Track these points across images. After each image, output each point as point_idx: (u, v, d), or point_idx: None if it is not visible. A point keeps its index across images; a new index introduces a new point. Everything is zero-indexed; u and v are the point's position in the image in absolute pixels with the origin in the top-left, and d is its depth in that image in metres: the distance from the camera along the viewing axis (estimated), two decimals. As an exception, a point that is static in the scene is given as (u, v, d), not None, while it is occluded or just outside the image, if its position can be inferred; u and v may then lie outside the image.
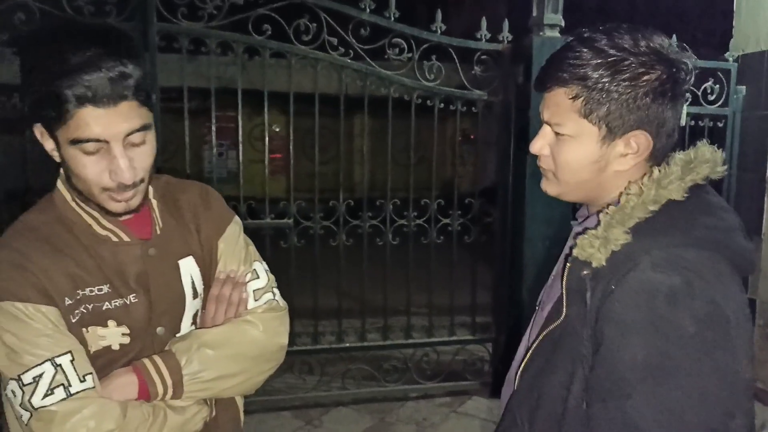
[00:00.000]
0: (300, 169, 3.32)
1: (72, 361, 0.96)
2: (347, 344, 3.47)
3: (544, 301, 1.09)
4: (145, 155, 1.00)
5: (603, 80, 0.88)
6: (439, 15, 3.22)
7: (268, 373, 1.16)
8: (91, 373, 0.98)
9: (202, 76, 3.12)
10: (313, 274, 3.24)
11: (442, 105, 3.38)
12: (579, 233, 0.96)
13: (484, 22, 3.29)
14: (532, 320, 1.13)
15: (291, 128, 3.23)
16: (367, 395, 3.46)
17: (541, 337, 1.00)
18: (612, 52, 0.88)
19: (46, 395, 0.93)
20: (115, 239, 1.05)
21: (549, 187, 1.02)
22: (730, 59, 3.64)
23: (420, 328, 3.69)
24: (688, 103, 3.53)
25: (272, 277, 1.21)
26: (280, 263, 1.27)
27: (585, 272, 0.90)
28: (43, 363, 0.94)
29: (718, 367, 0.82)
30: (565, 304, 0.94)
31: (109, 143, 0.95)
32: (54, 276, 0.98)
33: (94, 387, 0.97)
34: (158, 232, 1.10)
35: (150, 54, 2.83)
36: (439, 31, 3.22)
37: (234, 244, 1.19)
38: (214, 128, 3.22)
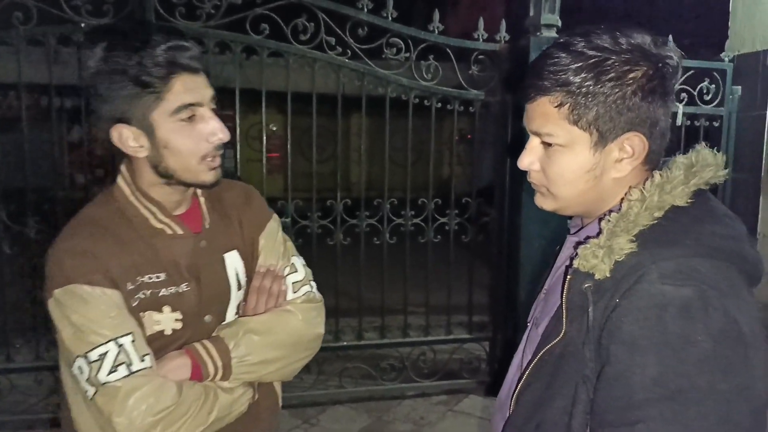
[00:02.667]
0: (297, 168, 3.32)
1: (133, 342, 1.03)
2: (344, 343, 3.49)
3: (538, 317, 1.02)
4: None
5: (587, 83, 0.84)
6: (436, 15, 3.23)
7: (305, 360, 1.24)
8: (149, 354, 1.05)
9: (200, 75, 3.12)
10: (310, 273, 3.25)
11: (439, 105, 3.38)
12: (579, 243, 0.90)
13: (481, 23, 3.30)
14: (525, 338, 1.06)
15: (288, 127, 3.23)
16: (364, 394, 3.47)
17: (538, 358, 0.92)
18: (591, 53, 0.84)
19: (110, 372, 1.00)
20: (169, 232, 1.14)
21: (544, 202, 0.96)
22: (726, 59, 3.65)
23: (417, 327, 3.70)
24: (684, 102, 3.55)
25: (309, 270, 1.30)
26: (278, 262, 1.31)
27: (587, 285, 0.84)
28: (107, 342, 1.01)
29: (736, 388, 0.75)
30: (565, 320, 0.87)
31: (203, 107, 1.07)
32: (117, 263, 1.07)
33: (152, 367, 1.05)
34: (207, 226, 1.19)
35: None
36: (436, 31, 3.22)
37: (273, 240, 1.28)
38: (211, 127, 3.22)
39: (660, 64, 0.85)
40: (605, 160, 0.88)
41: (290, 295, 1.23)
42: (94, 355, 1.01)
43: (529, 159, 0.94)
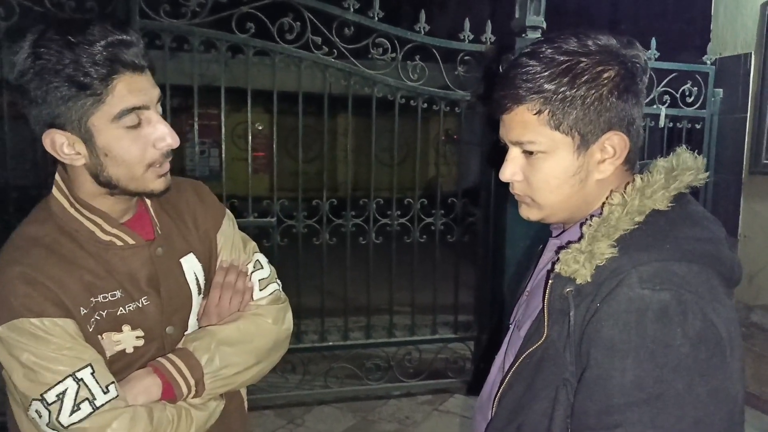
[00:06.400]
0: (283, 167, 3.32)
1: (93, 374, 0.93)
2: (330, 343, 3.48)
3: (519, 320, 1.01)
4: None
5: (562, 89, 0.84)
6: (423, 15, 3.23)
7: (277, 361, 1.18)
8: (113, 383, 0.96)
9: (185, 73, 3.10)
10: (296, 272, 3.24)
11: (425, 105, 3.39)
12: (561, 247, 0.89)
13: (467, 23, 3.31)
14: (506, 340, 1.05)
15: (275, 126, 3.23)
16: (350, 394, 3.47)
17: (519, 361, 0.91)
18: (562, 58, 0.84)
19: (73, 412, 0.91)
20: (120, 243, 1.03)
21: (530, 212, 0.95)
22: (708, 62, 3.69)
23: (403, 327, 3.70)
24: (666, 104, 3.59)
25: (273, 268, 1.22)
26: (263, 262, 1.28)
27: (568, 289, 0.84)
28: (64, 379, 0.91)
29: (713, 390, 0.76)
30: (546, 324, 0.87)
31: (149, 109, 0.96)
32: (68, 286, 0.96)
33: (118, 396, 0.95)
34: (159, 231, 1.09)
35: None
36: (422, 32, 3.23)
37: (231, 236, 1.20)
38: (196, 126, 3.20)
39: (629, 64, 0.85)
40: (588, 162, 0.88)
41: (257, 294, 1.16)
42: (51, 396, 0.90)
43: (512, 170, 0.92)
